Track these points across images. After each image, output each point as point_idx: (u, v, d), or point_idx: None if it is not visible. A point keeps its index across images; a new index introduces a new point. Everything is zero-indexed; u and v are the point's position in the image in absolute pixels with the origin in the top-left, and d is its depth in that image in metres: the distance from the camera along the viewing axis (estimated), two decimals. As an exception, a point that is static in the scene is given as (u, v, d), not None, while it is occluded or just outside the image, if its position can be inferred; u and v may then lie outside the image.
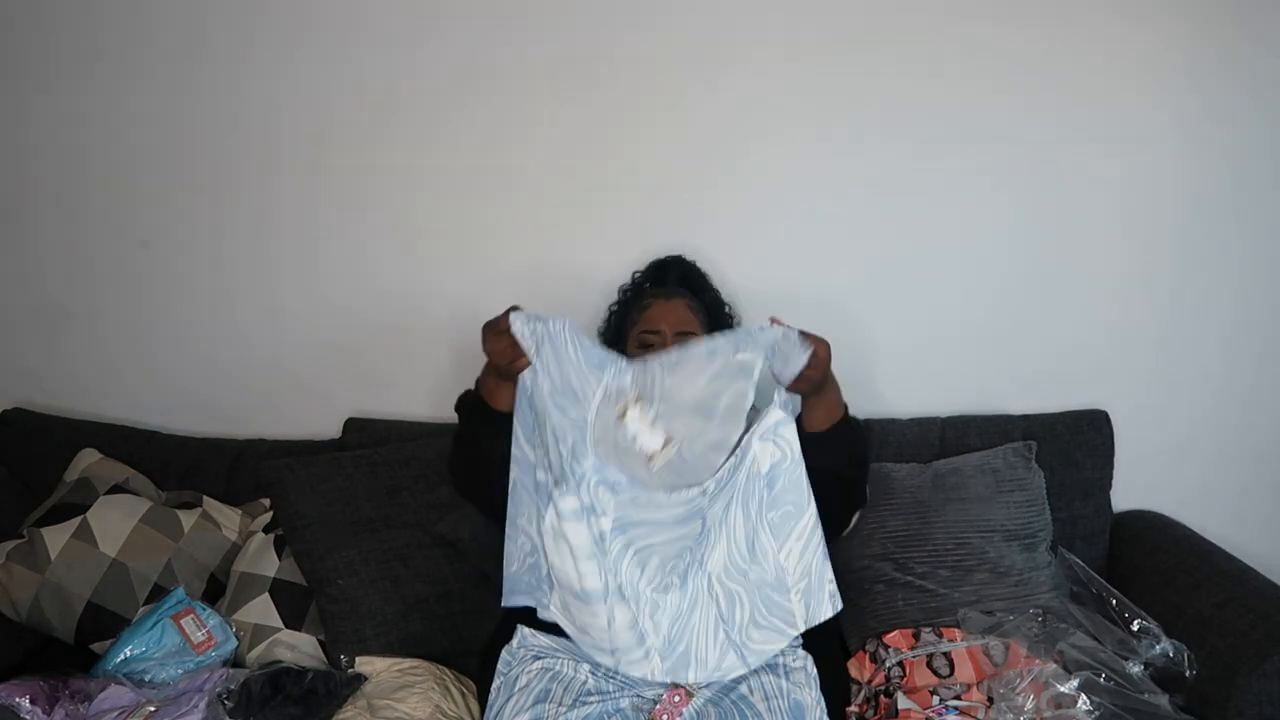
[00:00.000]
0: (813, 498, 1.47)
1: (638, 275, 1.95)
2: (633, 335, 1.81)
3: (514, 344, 1.50)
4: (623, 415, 1.45)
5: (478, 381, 1.64)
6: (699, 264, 1.95)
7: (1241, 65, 1.99)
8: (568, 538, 1.42)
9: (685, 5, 1.99)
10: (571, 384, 1.48)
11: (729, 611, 1.44)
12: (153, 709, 1.58)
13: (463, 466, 1.71)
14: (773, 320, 1.49)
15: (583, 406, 1.46)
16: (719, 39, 2.00)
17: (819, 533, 1.45)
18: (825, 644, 1.62)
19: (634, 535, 1.44)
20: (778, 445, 1.45)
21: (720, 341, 1.48)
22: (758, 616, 1.44)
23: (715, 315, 1.88)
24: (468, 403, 1.67)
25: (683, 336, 1.74)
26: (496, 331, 1.51)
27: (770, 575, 1.43)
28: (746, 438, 1.45)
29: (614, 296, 1.96)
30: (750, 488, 1.44)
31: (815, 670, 1.58)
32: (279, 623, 1.81)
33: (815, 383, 1.53)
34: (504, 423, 1.57)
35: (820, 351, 1.50)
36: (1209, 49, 1.98)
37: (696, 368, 1.47)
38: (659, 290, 1.86)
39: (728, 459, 1.45)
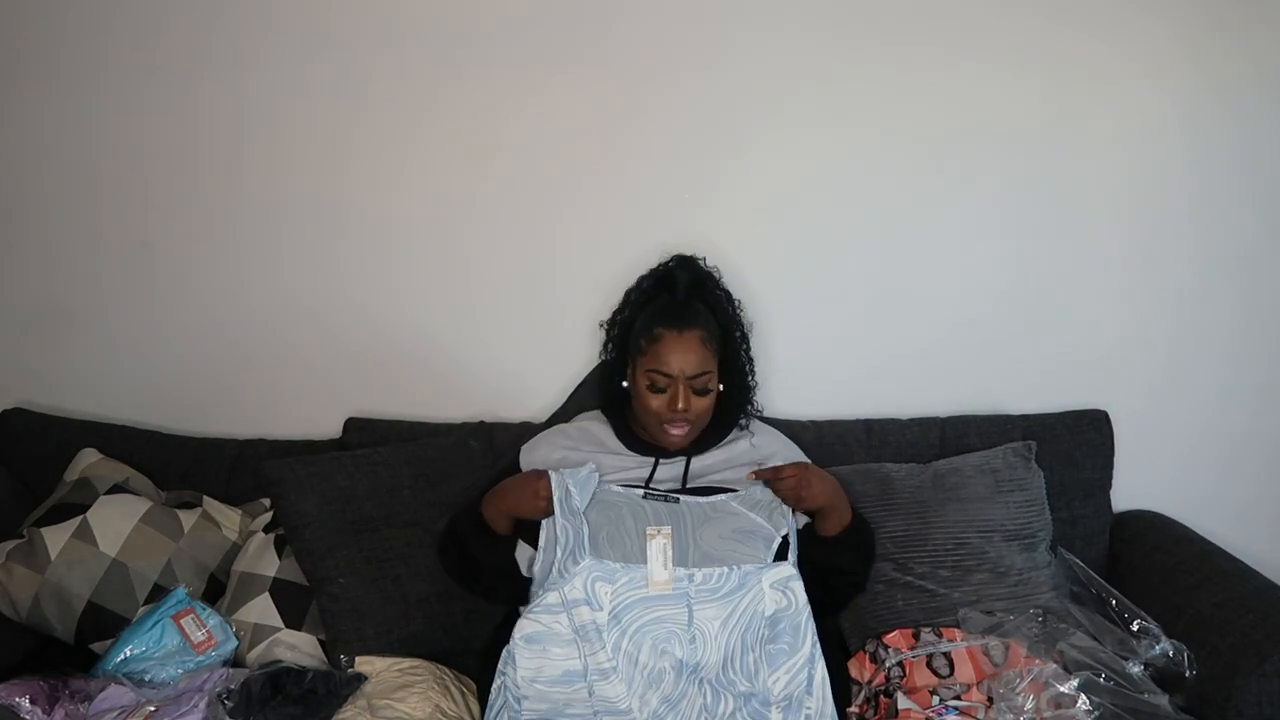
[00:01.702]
0: (810, 641, 1.58)
1: (645, 282, 1.88)
2: (640, 367, 1.74)
3: (547, 504, 1.63)
4: (654, 537, 1.60)
5: (474, 505, 1.73)
6: (708, 260, 1.90)
7: (1243, 67, 1.99)
8: (545, 627, 1.56)
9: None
10: (576, 502, 1.63)
11: (713, 705, 1.55)
12: (153, 709, 1.58)
13: (460, 573, 1.79)
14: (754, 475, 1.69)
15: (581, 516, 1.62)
16: (727, 30, 1.99)
17: (807, 670, 1.56)
18: (825, 644, 1.62)
19: (628, 620, 1.56)
20: (785, 595, 1.59)
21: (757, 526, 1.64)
22: (739, 716, 1.54)
23: (724, 325, 1.84)
24: (466, 521, 1.74)
25: (695, 380, 1.72)
26: (534, 495, 1.63)
27: (758, 691, 1.55)
28: (757, 575, 1.59)
29: (616, 295, 1.91)
30: (753, 624, 1.57)
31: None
32: (279, 622, 1.81)
33: (819, 508, 1.69)
34: (503, 545, 1.70)
35: (799, 488, 1.65)
36: (1205, 54, 1.99)
37: (722, 524, 1.64)
38: (670, 318, 1.75)
39: (726, 572, 1.59)
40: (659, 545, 1.57)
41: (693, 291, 1.84)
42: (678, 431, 1.74)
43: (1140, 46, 1.99)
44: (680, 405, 1.71)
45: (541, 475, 1.65)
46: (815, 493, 1.66)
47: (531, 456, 1.81)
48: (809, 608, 1.59)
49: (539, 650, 1.54)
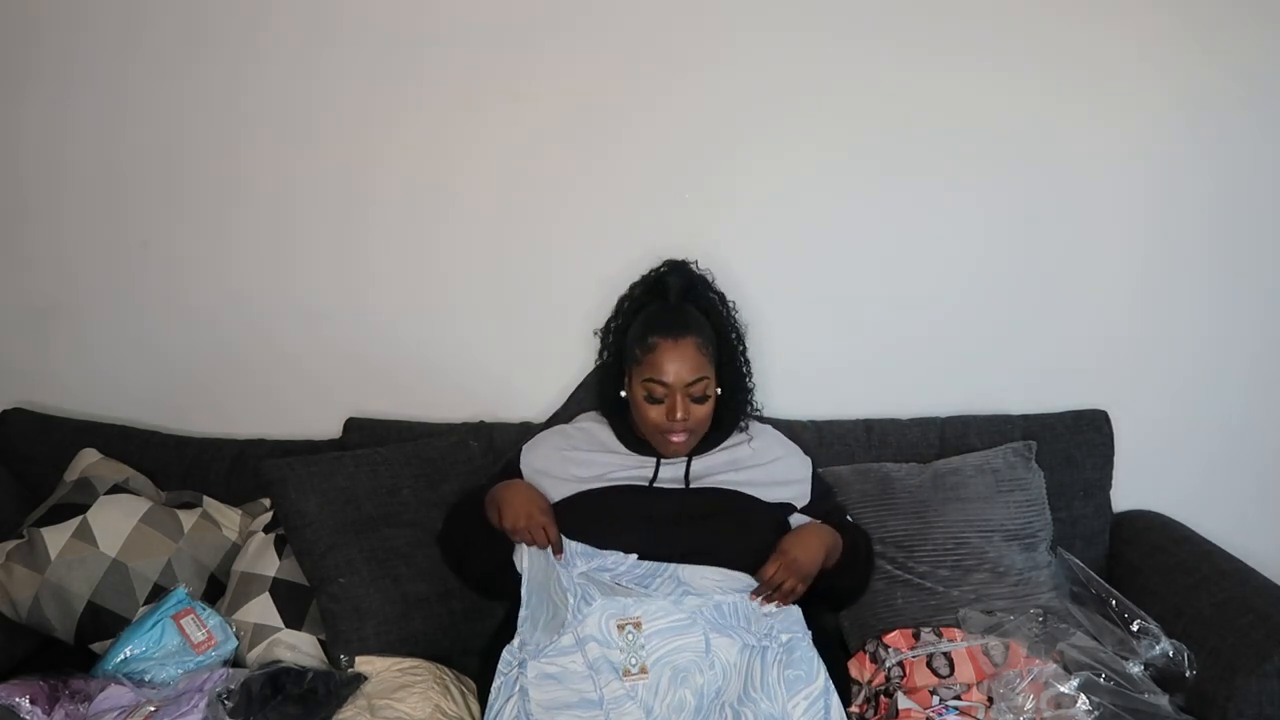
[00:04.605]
0: (823, 676, 1.55)
1: (637, 289, 1.88)
2: (637, 376, 1.74)
3: (547, 531, 1.62)
4: (622, 629, 1.56)
5: (477, 496, 1.76)
6: (700, 263, 1.90)
7: (1238, 66, 1.99)
8: (561, 668, 1.55)
9: None
10: (575, 550, 1.64)
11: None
12: (153, 709, 1.58)
13: (458, 564, 1.81)
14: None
15: (601, 558, 1.63)
16: (725, 29, 1.99)
17: (822, 700, 1.54)
18: (825, 644, 1.62)
19: (648, 651, 1.55)
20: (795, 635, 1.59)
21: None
22: None
23: (719, 329, 1.83)
24: (469, 515, 1.75)
25: (692, 388, 1.71)
26: (541, 514, 1.63)
27: (778, 710, 1.52)
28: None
29: (616, 296, 1.91)
30: (770, 650, 1.56)
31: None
32: (279, 622, 1.81)
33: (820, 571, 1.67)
34: (504, 543, 1.67)
35: (793, 581, 1.60)
36: (1204, 50, 1.99)
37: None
38: (664, 326, 1.73)
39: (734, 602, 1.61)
40: (632, 640, 1.56)
41: (685, 296, 1.84)
42: (678, 440, 1.74)
43: (1145, 40, 1.98)
44: (679, 415, 1.70)
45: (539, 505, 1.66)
46: (807, 568, 1.63)
47: (533, 456, 1.82)
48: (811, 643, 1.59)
49: (555, 683, 1.53)
